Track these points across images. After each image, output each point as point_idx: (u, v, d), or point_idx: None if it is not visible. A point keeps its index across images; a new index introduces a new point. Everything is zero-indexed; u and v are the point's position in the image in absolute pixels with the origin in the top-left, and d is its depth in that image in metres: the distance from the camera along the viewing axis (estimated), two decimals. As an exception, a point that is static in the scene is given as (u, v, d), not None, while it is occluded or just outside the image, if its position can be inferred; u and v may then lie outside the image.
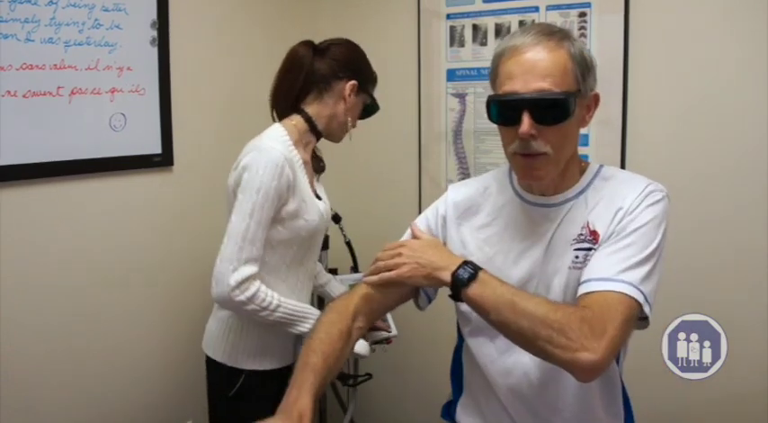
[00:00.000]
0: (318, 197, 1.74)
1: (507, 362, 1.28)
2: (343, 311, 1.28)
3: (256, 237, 1.54)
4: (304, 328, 1.61)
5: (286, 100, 1.71)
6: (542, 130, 1.15)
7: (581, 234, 1.21)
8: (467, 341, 1.35)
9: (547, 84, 1.14)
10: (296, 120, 1.69)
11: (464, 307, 1.28)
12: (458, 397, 1.40)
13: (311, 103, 1.70)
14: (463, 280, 1.17)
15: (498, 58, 1.21)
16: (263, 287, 1.57)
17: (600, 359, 1.05)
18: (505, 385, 1.29)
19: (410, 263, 1.25)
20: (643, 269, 1.13)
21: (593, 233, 1.20)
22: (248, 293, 1.53)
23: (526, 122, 1.14)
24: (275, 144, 1.59)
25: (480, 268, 1.18)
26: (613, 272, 1.12)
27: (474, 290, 1.16)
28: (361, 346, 1.71)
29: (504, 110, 1.19)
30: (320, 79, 1.68)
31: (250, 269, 1.53)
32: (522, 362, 1.26)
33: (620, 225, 1.17)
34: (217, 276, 1.53)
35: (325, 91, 1.69)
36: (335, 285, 2.00)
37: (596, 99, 1.24)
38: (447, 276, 1.19)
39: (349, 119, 1.72)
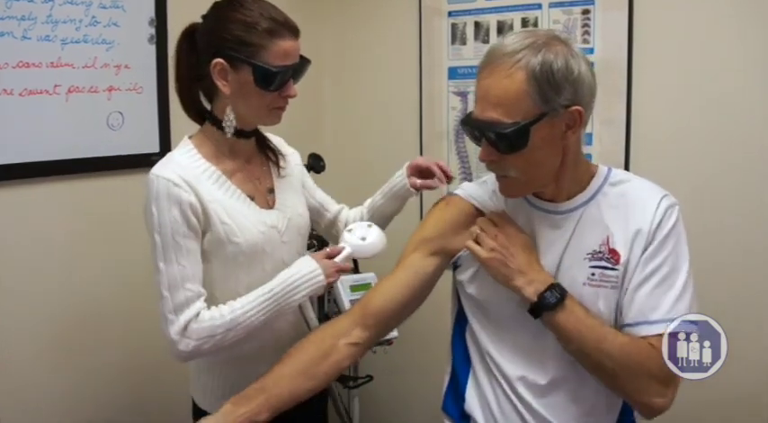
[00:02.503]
0: (270, 205, 1.48)
1: (511, 364, 1.28)
2: (322, 332, 1.30)
3: (184, 277, 1.32)
4: (295, 300, 1.39)
5: (191, 109, 1.46)
6: (503, 156, 1.17)
7: (599, 251, 1.22)
8: (473, 326, 1.34)
9: (497, 113, 1.13)
10: (207, 126, 1.44)
11: (481, 298, 1.31)
12: (465, 379, 1.37)
13: (216, 104, 1.42)
14: (550, 305, 1.18)
15: (477, 74, 1.21)
16: (205, 313, 1.34)
17: (669, 403, 1.16)
18: (507, 382, 1.28)
19: (498, 256, 1.23)
20: (687, 295, 1.18)
21: (613, 252, 1.21)
22: (195, 335, 1.33)
23: (483, 150, 1.18)
24: (162, 169, 1.34)
25: (566, 293, 1.19)
26: (666, 309, 1.17)
27: (559, 317, 1.18)
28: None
29: (469, 131, 1.21)
30: (203, 75, 1.38)
31: (187, 314, 1.32)
32: (523, 364, 1.27)
33: (648, 252, 1.20)
34: (165, 336, 1.35)
35: (212, 85, 1.37)
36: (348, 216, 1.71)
37: (580, 115, 1.15)
38: (531, 294, 1.19)
39: (245, 103, 1.37)
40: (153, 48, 1.98)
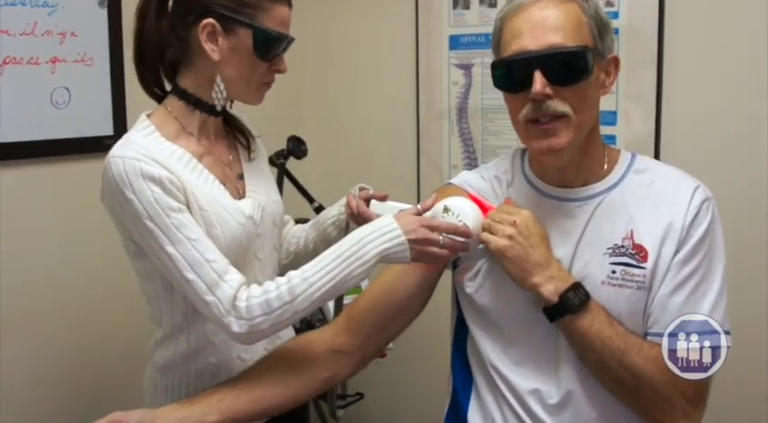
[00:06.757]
0: (241, 194, 1.45)
1: (520, 377, 1.25)
2: (301, 337, 1.36)
3: (203, 251, 1.25)
4: (366, 261, 1.24)
5: (151, 84, 1.41)
6: (558, 90, 1.16)
7: (621, 246, 1.20)
8: (475, 335, 1.32)
9: (559, 38, 1.15)
10: (170, 102, 1.38)
11: (482, 300, 1.29)
12: (467, 400, 1.35)
13: (186, 75, 1.37)
14: (572, 307, 1.16)
15: (501, 21, 1.23)
16: (255, 287, 1.27)
17: None
18: (516, 397, 1.25)
19: (516, 245, 1.19)
20: (722, 303, 1.18)
21: (639, 248, 1.19)
22: (247, 314, 1.23)
23: (539, 81, 1.14)
24: (123, 150, 1.28)
25: (589, 294, 1.17)
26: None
27: (581, 323, 1.16)
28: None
29: (512, 72, 1.20)
30: (174, 41, 1.35)
31: (227, 290, 1.24)
32: (535, 376, 1.24)
33: (683, 253, 1.18)
34: (214, 321, 1.27)
35: (188, 52, 1.35)
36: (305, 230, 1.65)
37: (616, 62, 1.25)
38: (551, 294, 1.16)
39: (236, 72, 1.35)
40: (104, 12, 1.95)
